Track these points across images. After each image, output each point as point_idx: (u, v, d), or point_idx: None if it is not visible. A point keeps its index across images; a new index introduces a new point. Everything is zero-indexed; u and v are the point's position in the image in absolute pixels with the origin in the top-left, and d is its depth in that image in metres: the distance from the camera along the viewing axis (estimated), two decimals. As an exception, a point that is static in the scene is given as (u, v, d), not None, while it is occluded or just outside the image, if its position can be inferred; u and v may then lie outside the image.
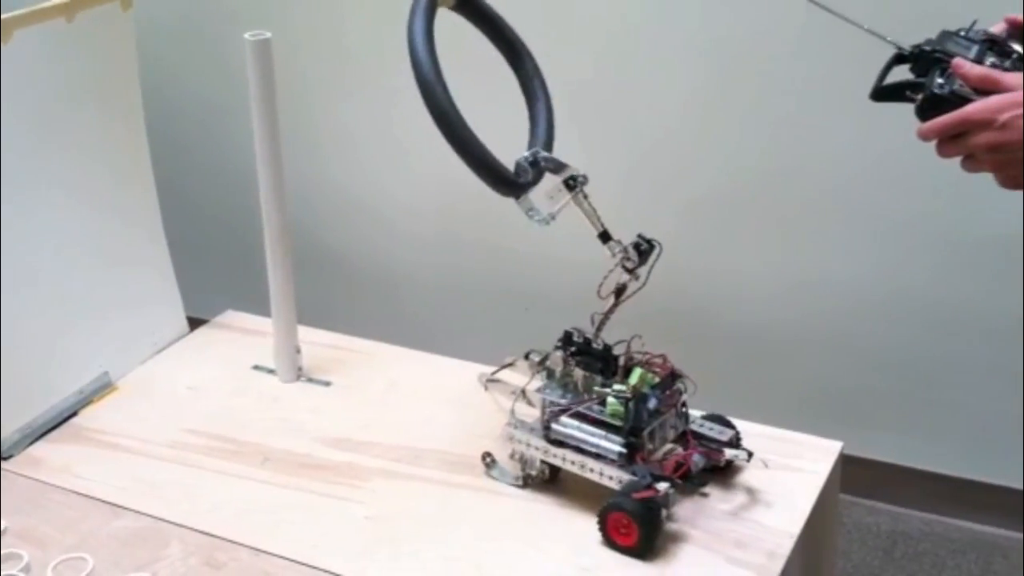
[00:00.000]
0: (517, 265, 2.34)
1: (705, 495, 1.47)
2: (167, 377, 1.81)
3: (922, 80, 1.21)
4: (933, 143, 1.20)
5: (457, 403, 1.67)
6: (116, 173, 1.79)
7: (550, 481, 1.50)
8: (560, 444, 1.45)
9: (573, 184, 1.42)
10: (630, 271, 1.44)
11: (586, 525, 1.39)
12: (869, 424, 2.14)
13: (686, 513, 1.43)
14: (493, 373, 1.63)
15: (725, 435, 1.50)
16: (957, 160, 1.24)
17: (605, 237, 1.43)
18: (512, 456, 1.50)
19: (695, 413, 1.50)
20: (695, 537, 1.39)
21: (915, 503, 2.15)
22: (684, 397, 1.47)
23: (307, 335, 1.82)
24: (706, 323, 2.22)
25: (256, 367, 1.82)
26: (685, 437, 1.47)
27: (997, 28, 1.26)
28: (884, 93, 1.25)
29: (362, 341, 1.89)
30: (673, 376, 1.46)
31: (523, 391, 1.52)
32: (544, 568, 1.36)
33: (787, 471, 1.52)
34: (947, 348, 2.07)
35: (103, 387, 1.75)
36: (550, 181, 1.43)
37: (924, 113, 1.19)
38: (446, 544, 1.39)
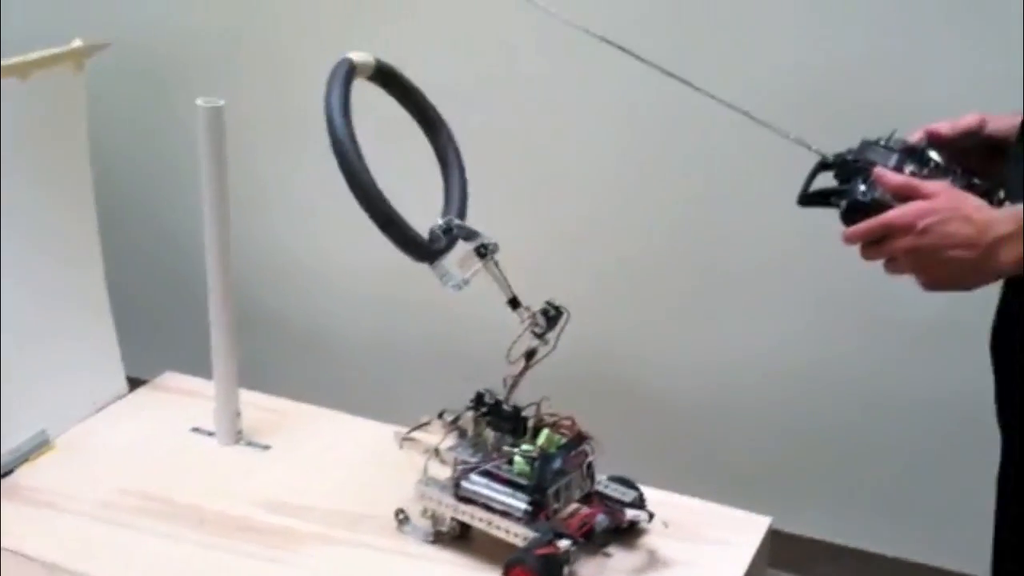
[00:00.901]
0: (453, 327, 2.37)
1: (608, 555, 1.51)
2: (105, 437, 1.81)
3: (846, 187, 1.28)
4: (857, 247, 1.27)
5: (397, 466, 1.66)
6: (62, 234, 1.81)
7: (461, 537, 1.53)
8: (469, 501, 1.48)
9: (484, 252, 1.47)
10: (539, 336, 1.49)
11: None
12: (797, 499, 2.19)
13: (589, 572, 1.47)
14: (407, 433, 1.63)
15: (628, 496, 1.54)
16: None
17: (515, 303, 1.49)
18: (424, 513, 1.54)
19: (600, 476, 1.54)
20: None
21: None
22: (590, 458, 1.51)
23: (247, 397, 1.83)
24: (631, 393, 2.25)
25: (195, 429, 1.82)
26: (590, 497, 1.51)
27: (914, 137, 1.34)
28: (810, 199, 1.33)
29: (301, 405, 1.91)
30: (580, 438, 1.50)
31: (436, 450, 1.54)
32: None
33: (716, 544, 1.56)
34: (870, 424, 2.12)
35: (40, 445, 1.75)
36: (464, 248, 1.47)
37: (848, 218, 1.27)
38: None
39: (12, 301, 1.71)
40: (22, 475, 1.68)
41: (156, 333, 2.46)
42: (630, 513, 1.51)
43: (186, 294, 2.55)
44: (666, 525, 1.52)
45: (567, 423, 1.51)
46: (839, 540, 2.22)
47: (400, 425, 1.80)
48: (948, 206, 1.21)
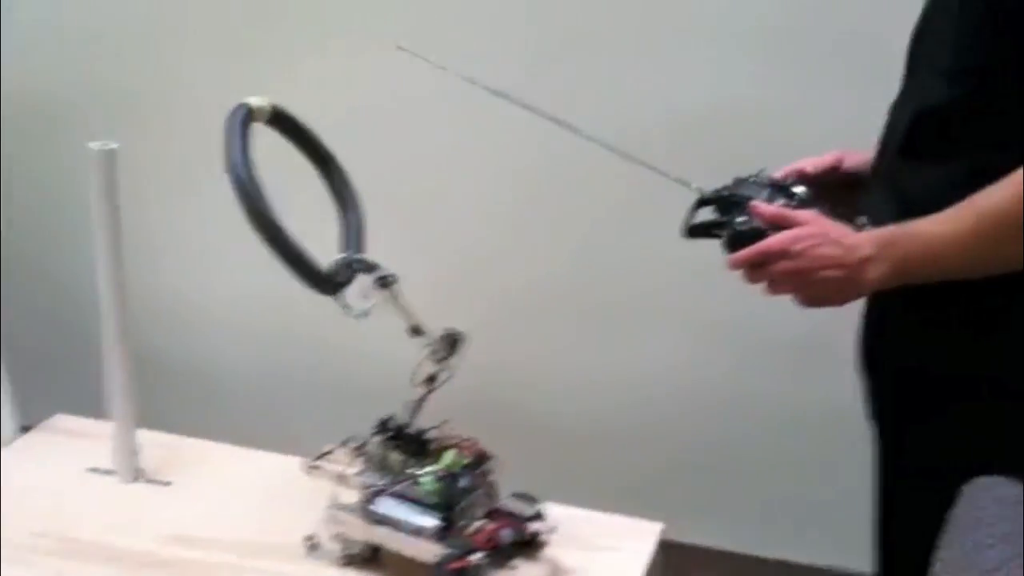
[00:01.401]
0: (339, 357, 2.42)
1: (514, 568, 1.58)
2: (2, 480, 1.79)
3: (726, 219, 1.40)
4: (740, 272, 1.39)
5: (290, 495, 1.71)
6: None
7: (371, 560, 1.58)
8: (380, 523, 1.53)
9: (385, 283, 1.53)
10: (439, 361, 1.55)
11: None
12: (682, 509, 2.29)
13: None
14: (314, 460, 1.67)
15: (530, 510, 1.61)
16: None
17: (417, 331, 1.55)
18: (335, 537, 1.58)
19: (502, 492, 1.61)
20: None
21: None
22: (492, 476, 1.58)
23: (143, 436, 1.83)
24: (522, 414, 2.34)
25: (93, 469, 1.83)
26: (493, 513, 1.57)
27: (780, 174, 1.47)
28: (694, 231, 1.44)
29: (197, 441, 1.92)
30: (482, 457, 1.57)
31: (342, 476, 1.59)
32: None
33: (611, 551, 1.64)
34: (746, 436, 2.25)
35: (-67, 492, 1.74)
36: (364, 279, 1.53)
37: (730, 247, 1.39)
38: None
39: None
40: (-84, 523, 1.67)
41: (40, 377, 2.45)
42: (534, 526, 1.58)
43: (68, 336, 2.55)
44: (555, 530, 1.60)
45: (468, 444, 1.57)
46: (725, 546, 2.34)
47: (296, 456, 1.85)
48: (818, 231, 1.34)
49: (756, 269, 1.38)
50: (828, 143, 1.55)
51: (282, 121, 1.59)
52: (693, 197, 1.46)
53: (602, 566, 1.60)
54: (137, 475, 1.80)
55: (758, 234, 1.37)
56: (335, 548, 1.58)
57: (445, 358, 1.55)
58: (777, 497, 2.27)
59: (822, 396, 2.17)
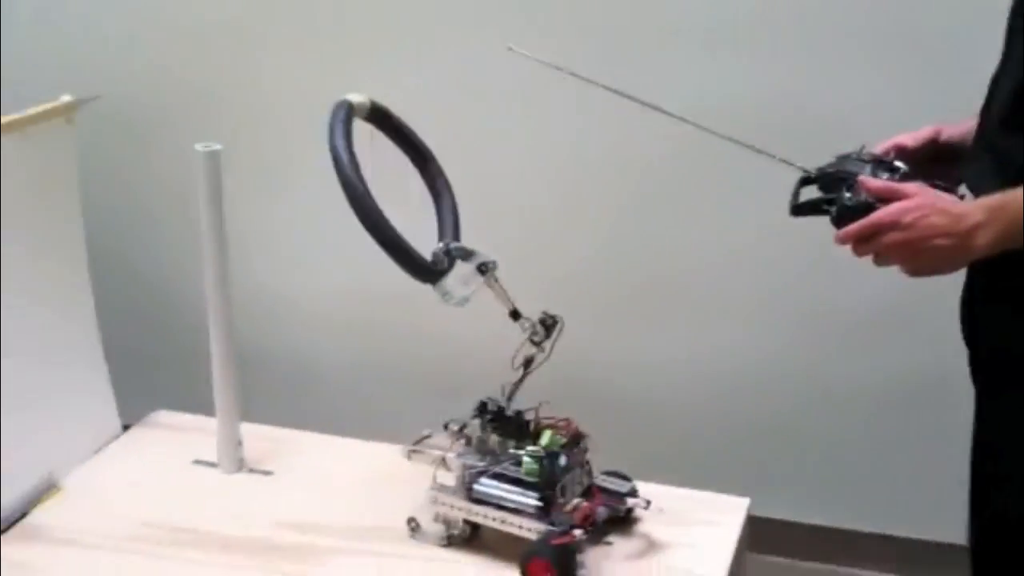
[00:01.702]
0: (427, 347, 2.48)
1: (609, 543, 1.64)
2: (109, 475, 1.87)
3: (833, 196, 1.44)
4: (848, 247, 1.43)
5: (389, 481, 1.77)
6: (58, 284, 1.88)
7: (471, 539, 1.64)
8: (481, 503, 1.59)
9: (484, 269, 1.58)
10: (537, 344, 1.60)
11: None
12: (761, 483, 2.34)
13: (593, 560, 1.58)
14: (414, 444, 1.72)
15: (624, 488, 1.67)
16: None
17: (516, 315, 1.60)
18: (436, 518, 1.64)
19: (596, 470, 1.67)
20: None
21: (803, 554, 2.35)
22: (588, 455, 1.63)
23: (243, 429, 1.89)
24: (601, 395, 2.38)
25: (197, 461, 1.90)
26: (590, 490, 1.63)
27: (880, 149, 1.52)
28: (801, 209, 1.49)
29: (295, 432, 1.98)
30: (577, 437, 1.62)
31: (443, 458, 1.64)
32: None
33: (704, 525, 1.70)
34: (822, 410, 2.29)
35: (48, 488, 1.80)
36: (461, 267, 1.59)
37: (839, 222, 1.42)
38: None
39: (11, 351, 1.76)
40: (36, 517, 1.74)
41: (134, 376, 2.52)
42: (630, 501, 1.64)
43: (160, 336, 2.63)
44: (663, 511, 1.65)
45: (563, 424, 1.62)
46: (810, 520, 2.37)
47: (389, 444, 1.91)
48: (926, 202, 1.38)
49: (865, 242, 1.42)
50: (892, 125, 1.60)
51: (380, 116, 1.65)
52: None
53: (696, 540, 1.65)
54: (240, 466, 1.87)
55: (867, 208, 1.41)
56: (437, 529, 1.64)
57: (541, 341, 1.60)
58: (851, 469, 2.31)
59: (889, 369, 2.22)
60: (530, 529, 1.55)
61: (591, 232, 2.35)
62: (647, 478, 1.81)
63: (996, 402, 1.54)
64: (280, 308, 2.53)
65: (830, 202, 1.45)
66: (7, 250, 1.73)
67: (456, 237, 1.65)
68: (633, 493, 1.67)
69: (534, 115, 2.29)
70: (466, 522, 1.62)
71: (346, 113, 1.55)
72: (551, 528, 1.53)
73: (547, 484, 1.55)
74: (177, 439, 1.98)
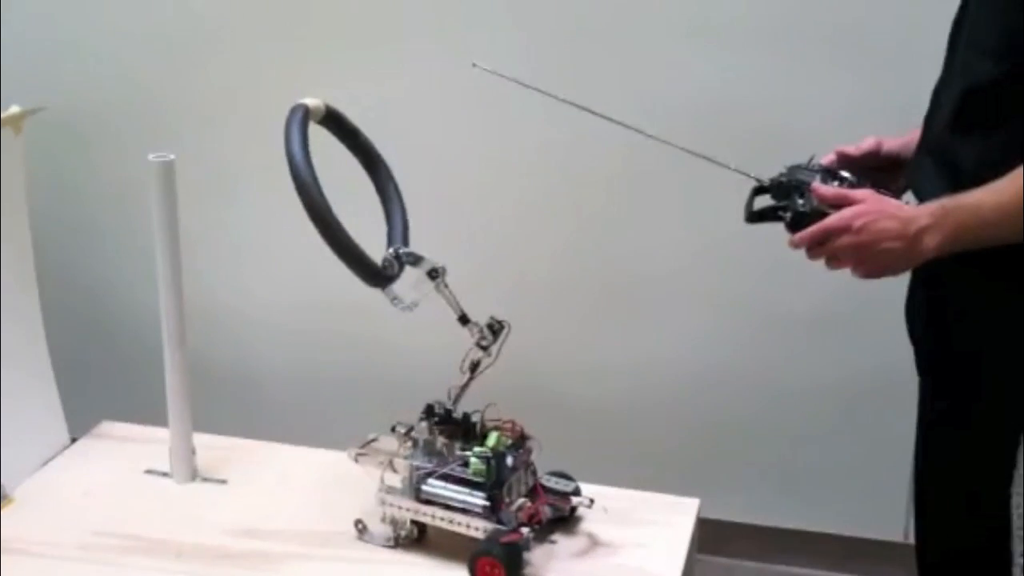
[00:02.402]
0: (375, 356, 2.49)
1: (554, 542, 1.68)
2: (60, 486, 1.85)
3: (786, 203, 1.50)
4: (803, 251, 1.50)
5: (341, 486, 1.78)
6: (5, 293, 1.85)
7: (418, 540, 1.66)
8: (429, 503, 1.62)
9: (434, 275, 1.62)
10: (484, 348, 1.64)
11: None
12: (703, 485, 2.38)
13: (539, 559, 1.62)
14: (361, 448, 1.74)
15: (569, 487, 1.71)
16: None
17: (464, 320, 1.63)
18: (384, 520, 1.67)
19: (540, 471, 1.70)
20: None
21: (746, 554, 2.39)
22: (532, 456, 1.67)
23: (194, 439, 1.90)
24: (553, 398, 2.41)
25: (149, 471, 1.89)
26: (535, 490, 1.67)
27: (827, 159, 1.59)
28: (756, 217, 1.55)
29: (247, 441, 1.98)
30: (523, 438, 1.66)
31: (391, 461, 1.67)
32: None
33: (654, 526, 1.73)
34: (769, 411, 2.33)
35: (-2, 499, 1.80)
36: (410, 273, 1.62)
37: (793, 227, 1.48)
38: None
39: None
40: (-13, 529, 1.73)
41: (78, 388, 2.51)
42: (574, 500, 1.68)
43: (107, 348, 2.61)
44: (606, 510, 1.69)
45: (509, 426, 1.66)
46: (753, 520, 2.42)
47: (338, 451, 1.93)
48: (875, 208, 1.44)
49: (818, 246, 1.48)
50: (835, 134, 1.66)
51: (335, 121, 1.67)
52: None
53: (649, 541, 1.69)
54: (193, 475, 1.86)
55: (819, 214, 1.48)
56: (384, 530, 1.67)
57: (489, 346, 1.64)
58: (797, 469, 2.36)
59: (836, 370, 2.27)
60: (478, 528, 1.59)
61: (550, 238, 2.38)
62: (598, 480, 1.85)
63: (940, 398, 1.60)
64: (229, 318, 2.53)
65: (784, 209, 1.51)
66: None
67: (406, 242, 1.67)
68: (577, 492, 1.71)
69: (496, 122, 2.32)
70: (413, 523, 1.66)
71: (302, 116, 1.57)
72: (499, 527, 1.57)
73: (494, 484, 1.59)
74: (127, 449, 1.97)
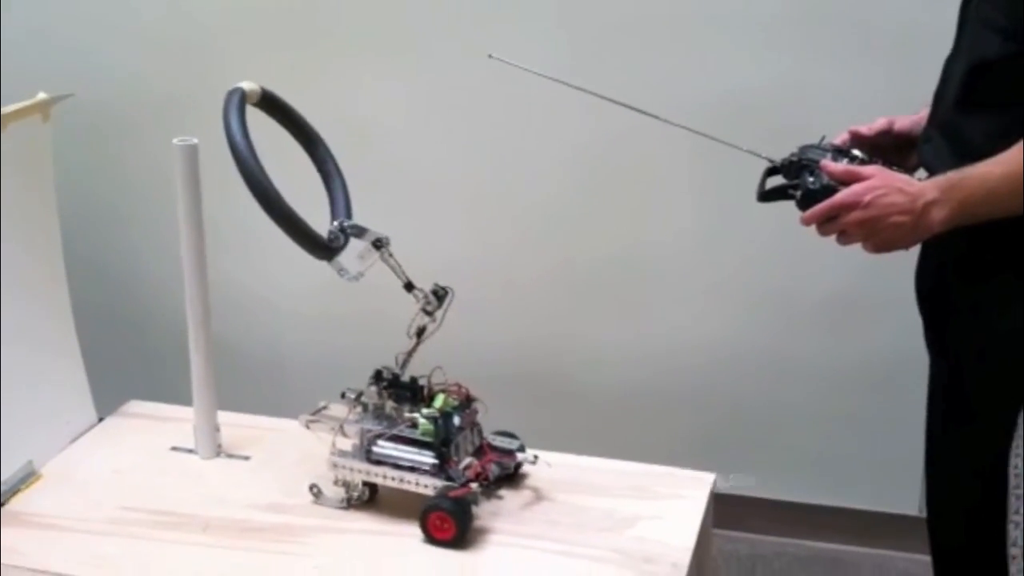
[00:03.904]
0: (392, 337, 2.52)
1: (500, 498, 1.73)
2: (88, 463, 1.89)
3: (796, 182, 1.52)
4: (813, 227, 1.52)
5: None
6: (34, 278, 1.90)
7: (369, 501, 1.72)
8: (379, 464, 1.68)
9: (379, 244, 1.66)
10: (429, 314, 1.69)
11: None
12: (724, 462, 2.41)
13: (487, 513, 1.68)
14: (312, 414, 1.80)
15: (514, 445, 1.76)
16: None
17: (409, 287, 1.68)
18: (336, 482, 1.72)
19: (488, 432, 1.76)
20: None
21: (766, 529, 2.41)
22: (478, 416, 1.72)
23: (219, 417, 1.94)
24: (573, 382, 2.44)
25: (174, 448, 1.94)
26: (482, 449, 1.72)
27: (839, 139, 1.62)
28: (768, 196, 1.58)
29: (271, 419, 2.02)
30: (469, 399, 1.72)
31: (341, 426, 1.73)
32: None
33: (671, 500, 1.76)
34: (783, 391, 2.35)
35: (28, 476, 1.83)
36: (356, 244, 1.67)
37: (804, 205, 1.50)
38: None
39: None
40: (17, 504, 1.77)
41: (104, 369, 2.55)
42: (520, 456, 1.74)
43: (130, 330, 2.65)
44: (549, 465, 1.76)
45: (456, 388, 1.72)
46: (771, 495, 2.44)
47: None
48: (884, 183, 1.46)
49: (829, 222, 1.50)
50: (849, 117, 1.68)
51: (271, 103, 1.73)
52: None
53: (664, 514, 1.71)
54: (218, 451, 1.90)
55: (829, 190, 1.50)
56: (337, 492, 1.73)
57: (434, 311, 1.69)
58: (820, 445, 2.37)
59: (850, 350, 2.29)
60: (427, 486, 1.65)
61: (567, 225, 2.39)
62: (614, 455, 1.89)
63: (942, 367, 1.63)
64: (252, 301, 2.57)
65: (795, 187, 1.54)
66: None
67: (349, 215, 1.72)
68: (522, 449, 1.76)
69: (510, 112, 2.34)
70: (365, 484, 1.71)
71: (239, 99, 1.62)
72: (448, 483, 1.63)
73: (442, 443, 1.65)
74: (153, 427, 2.01)
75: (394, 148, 2.37)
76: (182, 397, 1.96)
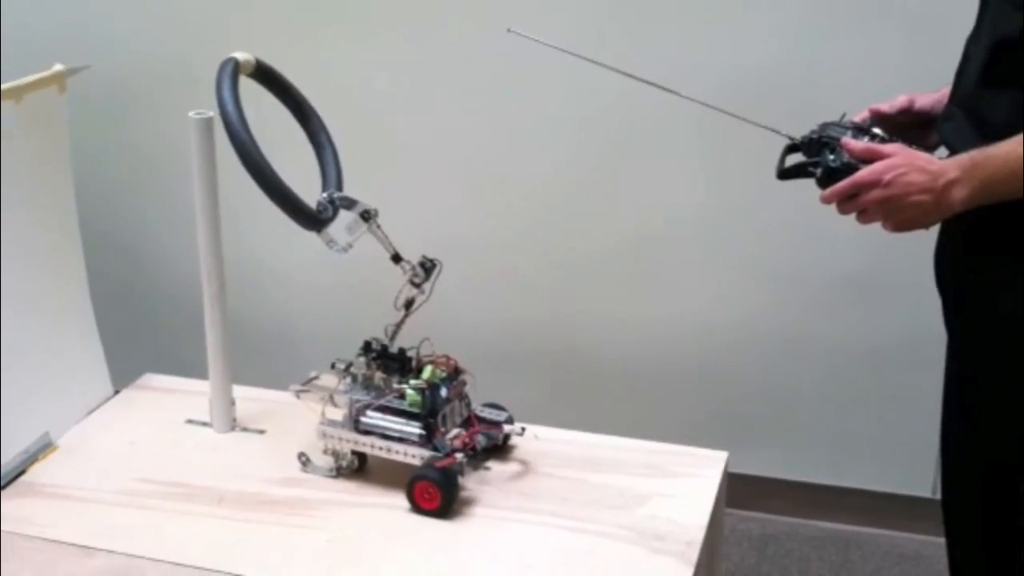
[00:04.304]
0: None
1: (487, 468, 1.75)
2: (104, 435, 1.90)
3: (816, 159, 1.51)
4: (833, 205, 1.50)
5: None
6: (50, 249, 1.90)
7: (359, 470, 1.74)
8: (368, 433, 1.70)
9: (368, 216, 1.67)
10: (417, 285, 1.70)
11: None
12: (737, 442, 2.41)
13: (473, 483, 1.70)
14: (302, 385, 1.82)
15: (501, 416, 1.77)
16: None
17: (397, 259, 1.69)
18: (325, 451, 1.74)
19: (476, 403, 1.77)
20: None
21: (779, 509, 2.42)
22: (466, 387, 1.74)
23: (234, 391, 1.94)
24: (588, 358, 2.44)
25: (190, 421, 1.94)
26: (469, 420, 1.74)
27: (860, 116, 1.61)
28: (788, 174, 1.57)
29: (285, 394, 1.98)
30: (457, 371, 1.73)
31: (331, 396, 1.74)
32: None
33: (685, 478, 1.76)
34: (796, 368, 2.35)
35: (45, 446, 1.84)
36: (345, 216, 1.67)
37: (824, 183, 1.49)
38: (404, 556, 1.57)
39: (7, 314, 1.79)
40: (34, 474, 1.78)
41: (118, 342, 2.57)
42: (507, 428, 1.76)
43: (144, 304, 2.66)
44: (537, 437, 1.78)
45: (444, 360, 1.73)
46: (784, 475, 2.44)
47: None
48: (905, 161, 1.44)
49: (849, 201, 1.49)
50: (870, 95, 1.66)
51: (265, 74, 1.73)
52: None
53: (678, 492, 1.71)
54: (233, 425, 1.91)
55: (849, 168, 1.49)
56: (326, 461, 1.75)
57: (421, 283, 1.70)
58: (835, 426, 2.37)
59: (870, 327, 2.28)
60: (414, 456, 1.66)
61: (581, 202, 2.39)
62: (627, 433, 1.89)
63: (967, 343, 1.62)
64: (267, 275, 2.57)
65: (815, 165, 1.52)
66: (2, 215, 1.77)
67: (339, 187, 1.73)
68: (510, 421, 1.78)
69: (525, 88, 2.33)
70: (354, 453, 1.73)
71: (232, 69, 1.63)
72: (434, 453, 1.64)
73: (429, 413, 1.66)
74: (168, 401, 2.02)
75: (405, 124, 2.37)
76: (198, 371, 1.96)
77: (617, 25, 2.23)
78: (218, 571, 1.54)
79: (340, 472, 1.74)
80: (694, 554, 1.56)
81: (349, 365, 1.73)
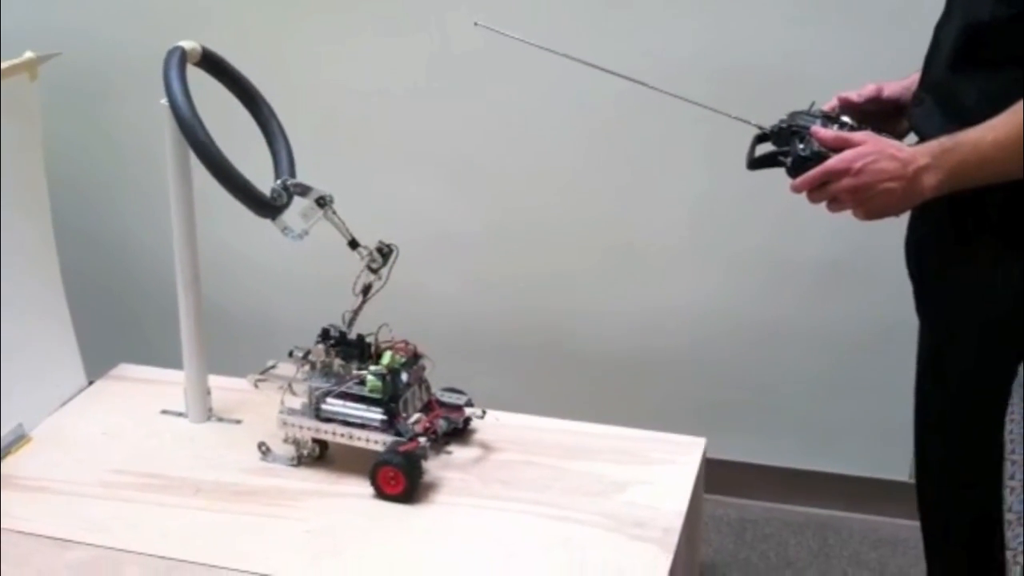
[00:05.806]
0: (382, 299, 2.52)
1: (449, 452, 1.77)
2: (78, 426, 1.89)
3: (786, 148, 1.51)
4: (804, 194, 1.49)
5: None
6: (23, 239, 1.88)
7: (320, 457, 1.75)
8: (329, 420, 1.70)
9: (323, 203, 1.66)
10: (374, 271, 1.70)
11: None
12: (714, 428, 2.42)
13: (436, 467, 1.71)
14: (260, 373, 1.81)
15: (461, 400, 1.79)
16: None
17: (354, 244, 1.69)
18: (286, 440, 1.74)
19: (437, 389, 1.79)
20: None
21: (757, 494, 2.42)
22: (425, 372, 1.74)
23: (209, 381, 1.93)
24: (570, 345, 2.42)
25: (165, 411, 1.93)
26: (430, 404, 1.75)
27: (828, 105, 1.59)
28: (758, 163, 1.56)
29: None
30: (416, 356, 1.73)
31: (290, 384, 1.74)
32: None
33: (663, 464, 1.76)
34: (776, 359, 2.35)
35: (18, 439, 1.83)
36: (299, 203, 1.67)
37: (794, 172, 1.49)
38: (382, 546, 1.56)
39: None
40: (8, 466, 1.76)
41: (91, 333, 2.55)
42: (468, 411, 1.77)
43: (118, 295, 2.63)
44: (498, 419, 1.82)
45: (403, 345, 1.73)
46: (762, 461, 2.44)
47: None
48: (875, 149, 1.44)
49: (819, 189, 1.48)
50: (839, 83, 1.66)
51: (212, 62, 1.72)
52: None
53: (656, 478, 1.72)
54: (208, 415, 1.90)
55: (819, 157, 1.47)
56: (287, 450, 1.75)
57: (378, 268, 1.70)
58: (805, 412, 2.37)
59: (840, 316, 2.28)
60: (377, 441, 1.67)
61: (561, 192, 2.37)
62: (606, 420, 1.89)
63: (929, 335, 1.63)
64: (242, 265, 2.54)
65: (785, 154, 1.51)
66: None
67: (292, 174, 1.72)
68: (469, 404, 1.79)
69: (501, 80, 2.30)
70: (315, 441, 1.73)
71: (180, 58, 1.62)
72: (397, 438, 1.65)
73: (390, 399, 1.67)
74: (142, 391, 2.01)
75: (395, 116, 2.34)
76: (172, 361, 1.95)
77: (593, 18, 2.21)
78: (196, 562, 1.53)
79: (301, 461, 1.74)
80: (673, 540, 1.56)
81: (307, 353, 1.72)
